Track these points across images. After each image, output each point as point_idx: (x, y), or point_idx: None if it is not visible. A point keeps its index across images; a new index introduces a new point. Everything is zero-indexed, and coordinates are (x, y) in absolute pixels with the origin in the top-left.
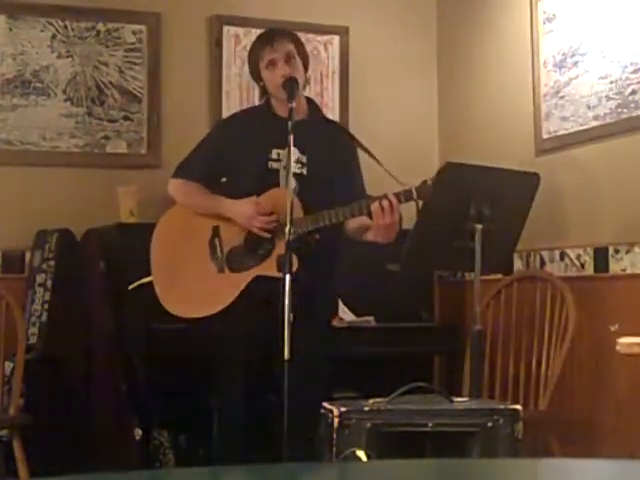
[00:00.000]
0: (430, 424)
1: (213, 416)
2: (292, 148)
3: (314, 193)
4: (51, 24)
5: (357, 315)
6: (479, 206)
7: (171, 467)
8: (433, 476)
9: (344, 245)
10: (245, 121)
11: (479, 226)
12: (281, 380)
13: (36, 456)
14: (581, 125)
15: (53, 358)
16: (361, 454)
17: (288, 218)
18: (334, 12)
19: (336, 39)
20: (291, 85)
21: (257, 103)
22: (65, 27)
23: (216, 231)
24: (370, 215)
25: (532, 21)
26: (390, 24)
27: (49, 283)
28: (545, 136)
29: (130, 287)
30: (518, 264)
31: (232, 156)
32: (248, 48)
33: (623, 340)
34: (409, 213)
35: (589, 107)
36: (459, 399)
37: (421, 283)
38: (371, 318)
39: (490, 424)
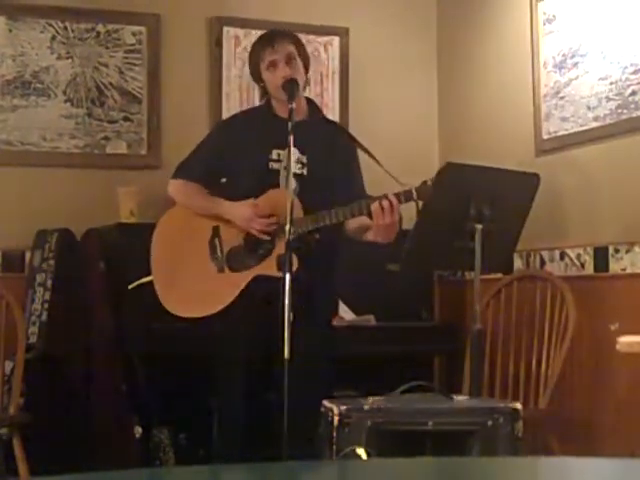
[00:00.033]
0: (430, 423)
1: (213, 415)
2: (292, 148)
3: (314, 193)
4: (51, 25)
5: (357, 314)
6: (479, 206)
7: (171, 466)
8: (433, 474)
9: (344, 245)
10: (245, 122)
11: (479, 226)
12: (281, 379)
13: (36, 455)
14: (581, 126)
15: (53, 357)
16: (361, 452)
17: (288, 218)
18: (334, 13)
19: (336, 40)
20: (291, 86)
21: (257, 104)
22: (65, 28)
23: (216, 231)
24: (370, 215)
25: (532, 22)
26: (390, 24)
27: (49, 283)
28: (545, 136)
29: (130, 287)
30: (518, 264)
31: (232, 157)
32: (248, 49)
33: (623, 339)
34: (409, 213)
35: (589, 108)
36: (459, 398)
37: (421, 283)
38: (371, 317)
39: (490, 423)
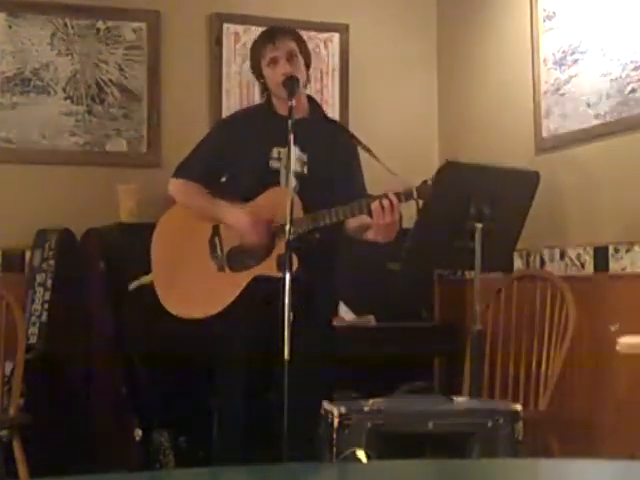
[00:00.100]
0: (430, 424)
1: (213, 416)
2: (292, 147)
3: (314, 192)
4: (51, 22)
5: (357, 314)
6: (479, 205)
7: (171, 468)
8: (433, 476)
9: (344, 244)
10: (245, 120)
11: (479, 225)
12: (281, 380)
13: (36, 456)
14: (581, 123)
15: (53, 358)
16: (361, 454)
17: (288, 217)
18: (334, 10)
19: (336, 37)
20: (291, 83)
21: (257, 101)
22: (65, 25)
23: (216, 230)
24: (370, 214)
25: (532, 19)
26: (390, 22)
27: (49, 283)
28: (545, 134)
29: (130, 288)
30: (518, 263)
31: (232, 155)
32: (248, 46)
33: (623, 340)
34: (409, 212)
35: (589, 105)
36: (459, 399)
37: (421, 282)
38: (371, 317)
39: (490, 424)
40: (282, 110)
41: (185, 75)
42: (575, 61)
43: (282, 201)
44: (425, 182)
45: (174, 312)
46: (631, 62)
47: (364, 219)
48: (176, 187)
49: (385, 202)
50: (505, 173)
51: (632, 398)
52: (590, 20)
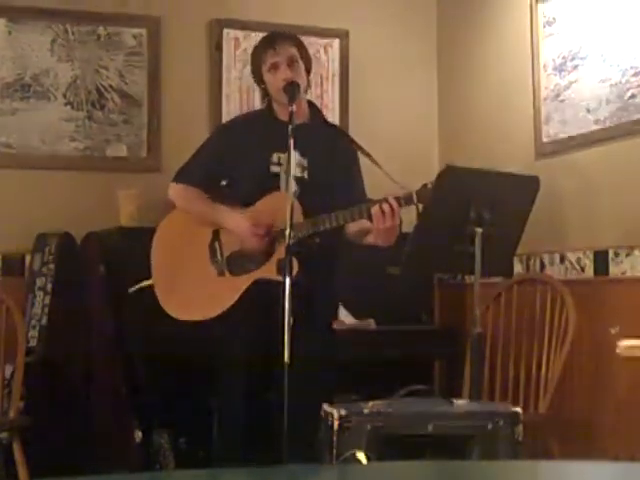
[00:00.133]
0: (430, 426)
1: (213, 417)
2: (293, 152)
3: (315, 197)
4: (51, 28)
5: (357, 318)
6: (479, 210)
7: (171, 469)
8: (433, 478)
9: (344, 248)
10: (245, 125)
11: (479, 230)
12: (281, 382)
13: (36, 459)
14: (581, 129)
15: (53, 361)
16: (361, 456)
17: (288, 222)
18: (334, 15)
19: (336, 42)
20: (292, 89)
21: (257, 106)
22: (65, 31)
23: (216, 235)
24: (370, 218)
25: (532, 24)
26: (390, 26)
27: (49, 286)
28: (545, 139)
29: (130, 290)
30: (518, 267)
31: (232, 160)
32: (248, 51)
33: (623, 343)
34: (409, 217)
35: (589, 111)
36: (459, 401)
37: (421, 286)
38: (371, 321)
39: (490, 426)
40: (282, 115)
41: (185, 80)
42: (575, 67)
43: (282, 206)
44: (425, 186)
45: (174, 315)
46: (631, 68)
47: (364, 223)
48: (176, 192)
49: (385, 206)
50: (505, 178)
51: (632, 401)
52: (590, 26)
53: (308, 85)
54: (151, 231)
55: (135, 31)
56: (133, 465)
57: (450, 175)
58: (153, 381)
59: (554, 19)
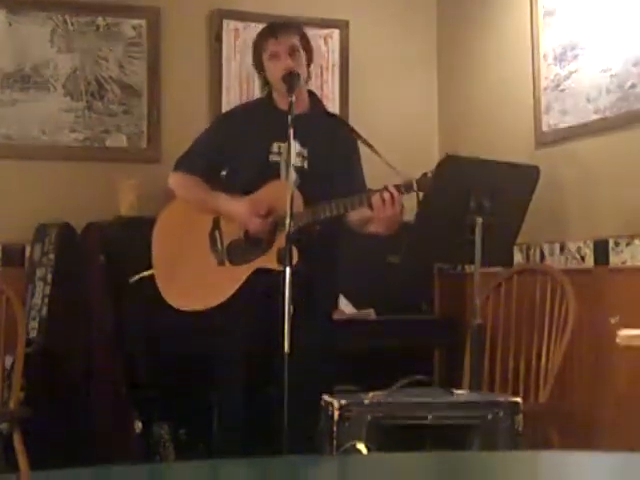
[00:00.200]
0: (430, 417)
1: (213, 409)
2: (292, 141)
3: (315, 186)
4: (51, 19)
5: (357, 307)
6: (479, 199)
7: (171, 460)
8: (433, 469)
9: (344, 237)
10: (245, 114)
11: (479, 219)
12: (281, 373)
13: (36, 449)
14: (581, 118)
15: (53, 352)
16: (361, 447)
17: (288, 211)
18: (334, 6)
19: (336, 33)
20: (292, 78)
21: (257, 96)
22: (65, 22)
23: (216, 224)
24: (371, 207)
25: (532, 14)
26: (390, 20)
27: (49, 277)
28: (545, 129)
29: (130, 281)
30: (518, 257)
31: (232, 150)
32: (248, 42)
33: (623, 332)
34: (410, 205)
35: (589, 100)
36: (459, 392)
37: (421, 275)
38: (371, 311)
39: (490, 417)
40: (282, 105)
41: (185, 71)
42: (575, 57)
43: (282, 194)
44: (425, 174)
45: (174, 305)
46: (631, 57)
47: (365, 212)
48: (176, 180)
49: (385, 195)
50: (505, 167)
51: (632, 391)
52: (590, 16)
53: (309, 76)
54: (151, 221)
55: (135, 22)
56: (133, 456)
57: (450, 164)
58: (153, 372)
59: (554, 9)
